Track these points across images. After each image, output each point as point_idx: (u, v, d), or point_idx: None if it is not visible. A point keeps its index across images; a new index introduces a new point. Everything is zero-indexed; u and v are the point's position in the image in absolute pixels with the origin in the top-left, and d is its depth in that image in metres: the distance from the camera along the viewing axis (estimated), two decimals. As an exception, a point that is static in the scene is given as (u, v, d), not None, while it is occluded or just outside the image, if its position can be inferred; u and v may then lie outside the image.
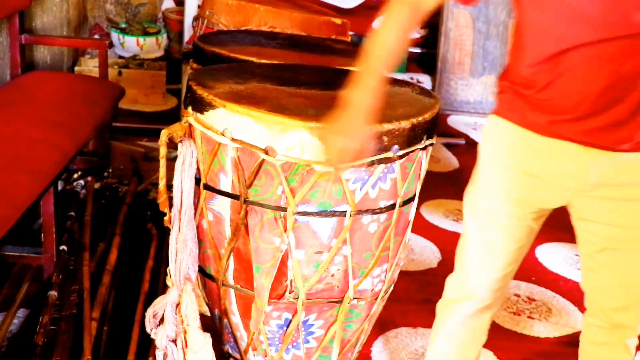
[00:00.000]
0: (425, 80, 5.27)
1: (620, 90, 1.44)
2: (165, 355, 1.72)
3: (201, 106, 1.61)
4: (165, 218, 1.67)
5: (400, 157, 1.62)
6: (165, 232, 2.81)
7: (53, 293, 2.26)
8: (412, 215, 1.81)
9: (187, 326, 1.70)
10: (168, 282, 1.71)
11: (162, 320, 1.73)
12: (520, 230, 1.64)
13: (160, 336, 1.71)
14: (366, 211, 1.63)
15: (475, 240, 1.69)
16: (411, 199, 1.76)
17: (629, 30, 1.39)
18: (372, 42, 1.52)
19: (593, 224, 1.58)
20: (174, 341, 1.69)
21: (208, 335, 1.71)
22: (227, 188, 1.64)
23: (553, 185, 1.56)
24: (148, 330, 1.72)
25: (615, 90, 1.44)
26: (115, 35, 4.78)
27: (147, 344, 2.09)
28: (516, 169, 1.58)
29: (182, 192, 1.69)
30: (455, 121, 4.59)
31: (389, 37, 1.51)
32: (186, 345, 1.69)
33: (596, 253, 1.59)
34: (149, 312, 1.72)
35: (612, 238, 1.56)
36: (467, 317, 1.77)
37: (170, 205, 1.70)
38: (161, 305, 1.72)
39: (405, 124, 1.59)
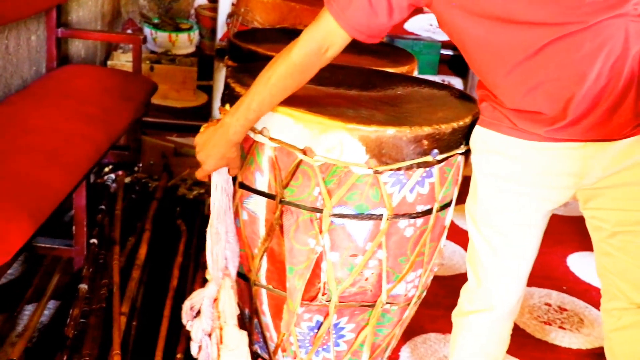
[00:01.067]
0: (456, 83, 5.23)
1: (603, 81, 1.40)
2: (199, 349, 1.71)
3: (240, 104, 1.60)
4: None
5: (440, 161, 1.59)
6: (194, 229, 2.83)
7: (83, 286, 2.27)
8: (448, 221, 1.78)
9: (224, 323, 1.69)
10: (207, 276, 1.70)
11: (198, 313, 1.72)
12: (530, 233, 1.63)
13: (196, 329, 1.70)
14: (403, 215, 1.61)
15: (486, 253, 1.66)
16: (448, 205, 1.73)
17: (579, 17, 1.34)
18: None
19: (601, 211, 1.55)
20: (209, 335, 1.68)
21: (245, 333, 1.70)
22: (263, 187, 1.63)
23: (555, 188, 1.54)
24: (184, 322, 1.71)
25: (597, 82, 1.40)
26: (147, 31, 4.80)
27: (175, 340, 2.09)
28: (514, 180, 1.54)
29: (216, 187, 1.67)
30: (486, 125, 4.55)
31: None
32: (221, 342, 1.68)
33: (608, 238, 1.56)
34: (187, 305, 1.71)
35: (622, 222, 1.53)
36: (489, 328, 1.76)
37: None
38: (199, 298, 1.71)
39: (445, 128, 1.57)
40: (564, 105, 1.43)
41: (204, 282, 1.70)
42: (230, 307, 1.68)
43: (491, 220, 1.61)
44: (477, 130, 1.57)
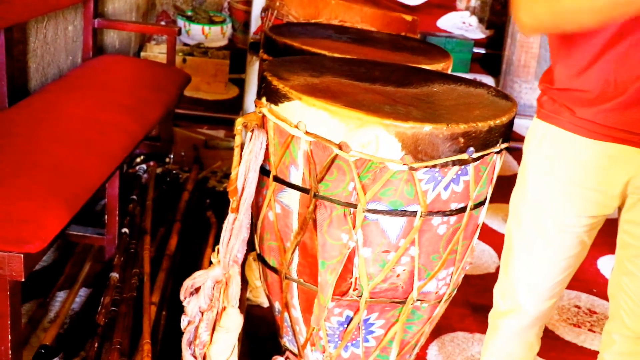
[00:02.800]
0: (488, 81, 5.19)
1: None
2: (189, 323, 1.74)
3: (276, 98, 1.60)
4: (233, 206, 1.67)
5: (475, 159, 1.58)
6: (223, 221, 2.84)
7: (115, 275, 2.29)
8: (481, 220, 1.77)
9: (230, 306, 1.71)
10: (213, 260, 1.73)
11: (197, 290, 1.75)
12: (570, 242, 1.60)
13: (193, 305, 1.74)
14: (437, 213, 1.60)
15: (521, 252, 1.65)
16: (482, 203, 1.72)
17: None
18: None
19: (636, 226, 1.51)
20: (203, 313, 1.73)
21: (242, 317, 1.75)
22: (297, 181, 1.63)
23: (605, 193, 1.51)
24: (182, 297, 1.74)
25: None
26: (181, 23, 4.84)
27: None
28: (566, 180, 1.53)
29: (245, 180, 1.69)
30: (518, 125, 4.45)
31: None
32: (217, 323, 1.72)
33: (635, 257, 1.52)
34: (188, 282, 1.75)
35: None
36: (517, 331, 1.75)
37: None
38: (202, 278, 1.74)
39: (482, 126, 1.56)
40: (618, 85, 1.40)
41: (209, 264, 1.75)
42: (236, 292, 1.72)
43: (535, 219, 1.60)
44: (535, 123, 1.56)
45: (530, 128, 1.61)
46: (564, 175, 1.53)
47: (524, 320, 1.73)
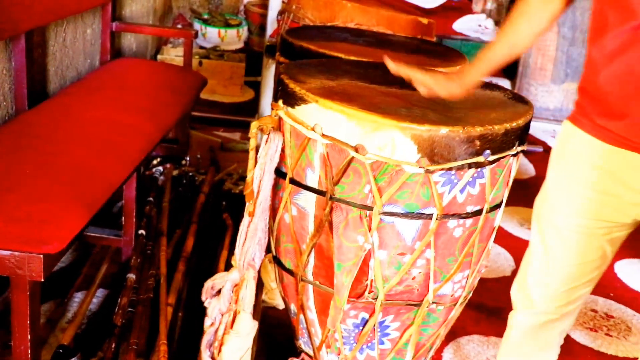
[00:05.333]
0: (504, 85, 5.17)
1: None
2: (211, 324, 1.75)
3: (293, 100, 1.61)
4: (250, 209, 1.68)
5: (491, 162, 1.58)
6: (239, 223, 2.85)
7: (132, 276, 2.31)
8: (497, 223, 1.77)
9: (242, 310, 1.73)
10: (232, 262, 1.74)
11: (218, 293, 1.77)
12: (589, 246, 1.59)
13: (213, 307, 1.76)
14: (452, 215, 1.61)
15: (537, 251, 1.65)
16: (498, 206, 1.72)
17: None
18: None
19: None
20: (222, 315, 1.74)
21: (256, 323, 1.76)
22: (313, 184, 1.64)
23: (620, 199, 1.50)
24: (203, 299, 1.76)
25: None
26: (197, 26, 4.86)
27: (220, 333, 2.12)
28: (586, 184, 1.52)
29: (260, 183, 1.70)
30: (534, 128, 4.49)
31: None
32: (231, 326, 1.73)
33: None
34: (208, 283, 1.77)
35: None
36: (530, 328, 1.74)
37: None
38: (221, 281, 1.76)
39: (498, 129, 1.56)
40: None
41: (228, 267, 1.76)
42: (250, 296, 1.73)
43: (553, 219, 1.60)
44: (564, 124, 1.57)
45: (561, 129, 1.61)
46: (582, 178, 1.53)
47: (536, 319, 1.72)
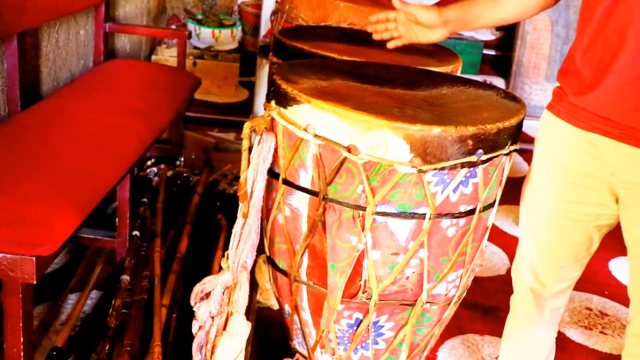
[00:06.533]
0: (498, 83, 5.19)
1: None
2: (200, 328, 1.75)
3: (285, 101, 1.61)
4: (244, 211, 1.68)
5: (484, 161, 1.58)
6: (234, 224, 2.85)
7: (125, 277, 2.31)
8: (490, 222, 1.77)
9: (236, 312, 1.72)
10: (223, 265, 1.74)
11: (207, 296, 1.76)
12: (574, 230, 1.68)
13: (203, 310, 1.75)
14: (446, 215, 1.61)
15: (526, 232, 1.78)
16: (491, 205, 1.72)
17: None
18: None
19: (630, 224, 1.59)
20: (213, 318, 1.74)
21: (250, 324, 1.75)
22: (306, 184, 1.64)
23: (597, 179, 1.59)
24: (192, 303, 1.76)
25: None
26: (191, 26, 4.85)
27: (214, 334, 2.11)
28: (561, 167, 1.64)
29: (253, 184, 1.69)
30: (528, 126, 4.45)
31: None
32: (224, 328, 1.73)
33: (634, 256, 1.60)
34: (198, 287, 1.76)
35: None
36: (524, 306, 1.85)
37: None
38: (212, 284, 1.75)
39: (490, 128, 1.56)
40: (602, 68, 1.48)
41: (219, 268, 1.76)
42: (243, 298, 1.72)
43: (538, 202, 1.72)
44: (544, 112, 1.69)
45: (540, 122, 1.73)
46: (558, 161, 1.64)
47: (528, 296, 1.83)
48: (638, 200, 1.54)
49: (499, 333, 2.03)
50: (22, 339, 1.69)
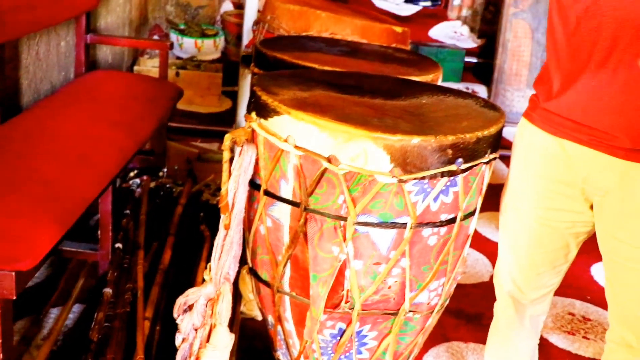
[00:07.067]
0: (480, 91, 5.22)
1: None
2: (183, 340, 1.74)
3: (265, 112, 1.61)
4: (226, 222, 1.68)
5: (464, 170, 1.59)
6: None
7: (108, 290, 2.29)
8: (472, 230, 1.78)
9: (219, 324, 1.72)
10: (206, 277, 1.74)
11: (190, 308, 1.76)
12: (549, 237, 1.71)
13: (186, 323, 1.75)
14: (427, 224, 1.61)
15: (505, 238, 1.82)
16: (472, 213, 1.73)
17: None
18: None
19: (601, 232, 1.62)
20: (196, 330, 1.73)
21: (233, 336, 1.75)
22: (287, 195, 1.64)
23: (571, 186, 1.62)
24: (175, 315, 1.75)
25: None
26: (174, 37, 4.85)
27: (198, 346, 2.10)
28: (536, 173, 1.67)
29: (234, 196, 1.69)
30: (510, 133, 4.49)
31: None
32: (207, 340, 1.72)
33: (605, 264, 1.65)
34: (181, 300, 1.76)
35: (613, 251, 1.60)
36: (504, 312, 1.88)
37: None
38: (194, 296, 1.74)
39: (470, 137, 1.57)
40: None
41: (202, 280, 1.75)
42: (226, 310, 1.71)
43: (515, 209, 1.76)
44: (520, 121, 1.75)
45: (517, 129, 1.78)
46: (534, 168, 1.68)
47: (507, 302, 1.85)
48: (609, 206, 1.56)
49: (483, 340, 2.04)
50: (2, 356, 1.67)
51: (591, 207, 1.63)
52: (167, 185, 3.21)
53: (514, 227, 1.77)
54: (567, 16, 1.53)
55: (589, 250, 1.80)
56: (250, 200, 1.74)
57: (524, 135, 1.71)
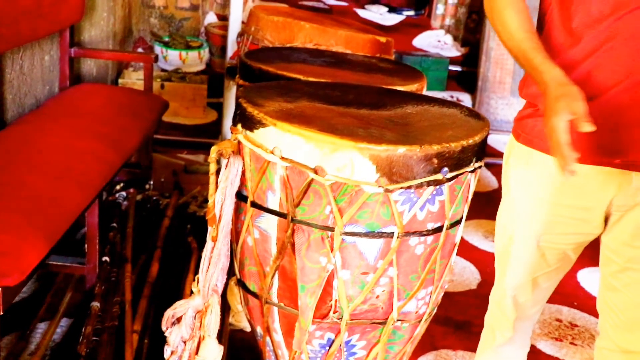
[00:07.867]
0: (465, 99, 5.25)
1: None
2: (172, 353, 1.74)
3: (251, 124, 1.62)
4: (213, 234, 1.68)
5: (450, 179, 1.60)
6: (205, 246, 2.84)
7: (96, 304, 2.29)
8: (458, 238, 1.79)
9: (207, 336, 1.72)
10: (194, 289, 1.74)
11: (178, 321, 1.75)
12: (554, 257, 1.68)
13: (175, 335, 1.74)
14: (413, 233, 1.62)
15: (498, 241, 1.78)
16: (458, 222, 1.74)
17: None
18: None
19: (616, 243, 1.59)
20: (185, 342, 1.73)
21: (222, 348, 1.75)
22: (274, 206, 1.64)
23: (592, 212, 1.58)
24: (163, 328, 1.75)
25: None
26: (158, 49, 4.85)
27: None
28: (552, 201, 1.60)
29: (221, 208, 1.70)
30: (495, 140, 4.57)
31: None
32: (196, 352, 1.72)
33: (618, 272, 1.60)
34: (169, 313, 1.75)
35: (635, 259, 1.56)
36: (500, 325, 1.85)
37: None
38: (183, 308, 1.74)
39: (455, 146, 1.58)
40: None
41: (190, 292, 1.75)
42: (214, 322, 1.71)
43: (526, 236, 1.70)
44: (516, 147, 1.67)
45: (510, 150, 1.70)
46: (550, 196, 1.61)
47: (504, 317, 1.82)
48: (633, 218, 1.55)
49: (471, 348, 2.05)
50: (-11, 372, 1.66)
51: (605, 221, 1.61)
52: (154, 198, 3.21)
53: (516, 251, 1.72)
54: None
55: (575, 257, 1.81)
56: (237, 212, 1.74)
57: (520, 158, 1.65)
